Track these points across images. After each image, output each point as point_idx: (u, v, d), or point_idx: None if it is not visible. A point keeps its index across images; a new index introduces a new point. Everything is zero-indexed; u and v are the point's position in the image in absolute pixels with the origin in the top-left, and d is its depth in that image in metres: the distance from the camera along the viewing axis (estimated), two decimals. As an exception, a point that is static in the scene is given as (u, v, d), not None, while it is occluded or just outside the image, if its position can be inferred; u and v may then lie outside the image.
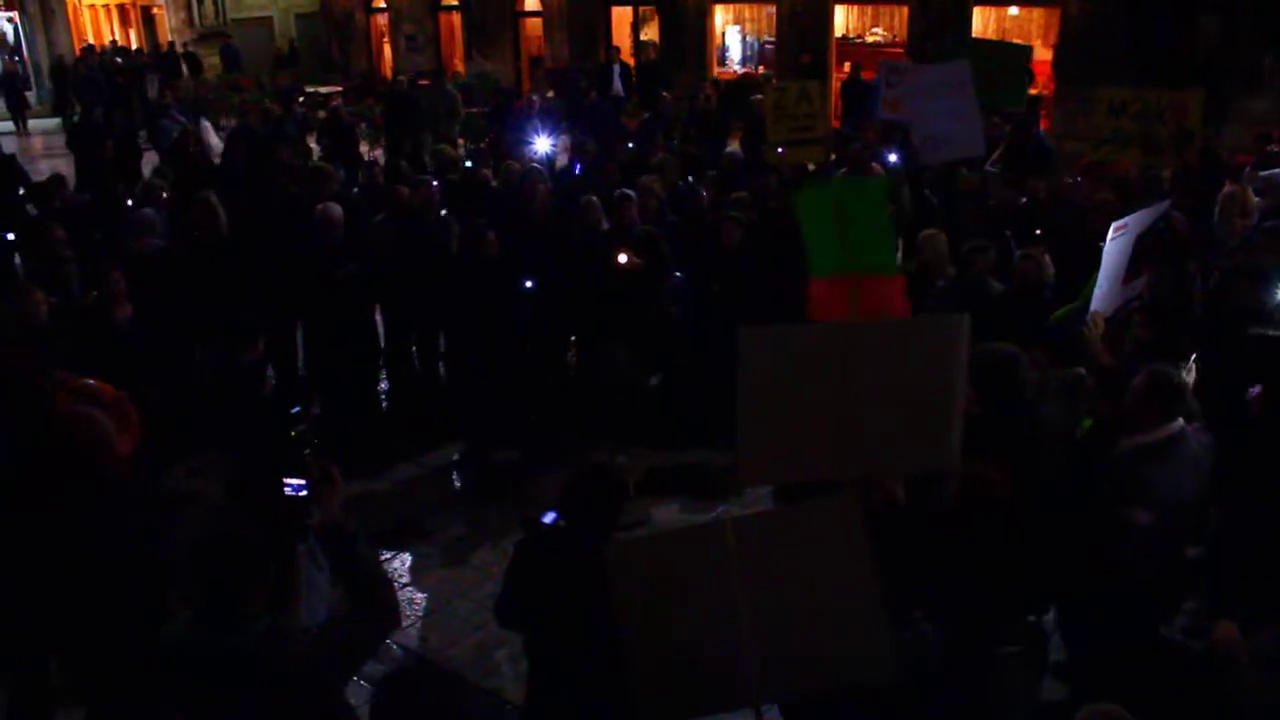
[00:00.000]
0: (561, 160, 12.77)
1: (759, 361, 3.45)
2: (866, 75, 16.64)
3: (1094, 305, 5.75)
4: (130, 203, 9.60)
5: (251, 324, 6.11)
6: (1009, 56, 10.99)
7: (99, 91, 20.31)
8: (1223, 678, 3.50)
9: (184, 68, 25.48)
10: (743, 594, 3.07)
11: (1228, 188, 9.35)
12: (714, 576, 3.08)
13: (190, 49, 27.39)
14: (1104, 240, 6.50)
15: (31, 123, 24.07)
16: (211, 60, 27.57)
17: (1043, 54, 17.30)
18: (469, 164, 11.22)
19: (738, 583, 3.07)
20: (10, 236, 8.77)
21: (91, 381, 5.43)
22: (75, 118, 19.48)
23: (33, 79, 26.38)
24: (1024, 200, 9.10)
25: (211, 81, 23.57)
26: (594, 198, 8.48)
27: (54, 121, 23.42)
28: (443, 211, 8.44)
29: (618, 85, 19.06)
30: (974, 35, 17.90)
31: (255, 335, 6.05)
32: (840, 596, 3.16)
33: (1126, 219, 6.08)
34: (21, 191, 11.40)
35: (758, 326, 3.50)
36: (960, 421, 3.52)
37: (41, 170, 14.74)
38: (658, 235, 8.16)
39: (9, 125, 23.30)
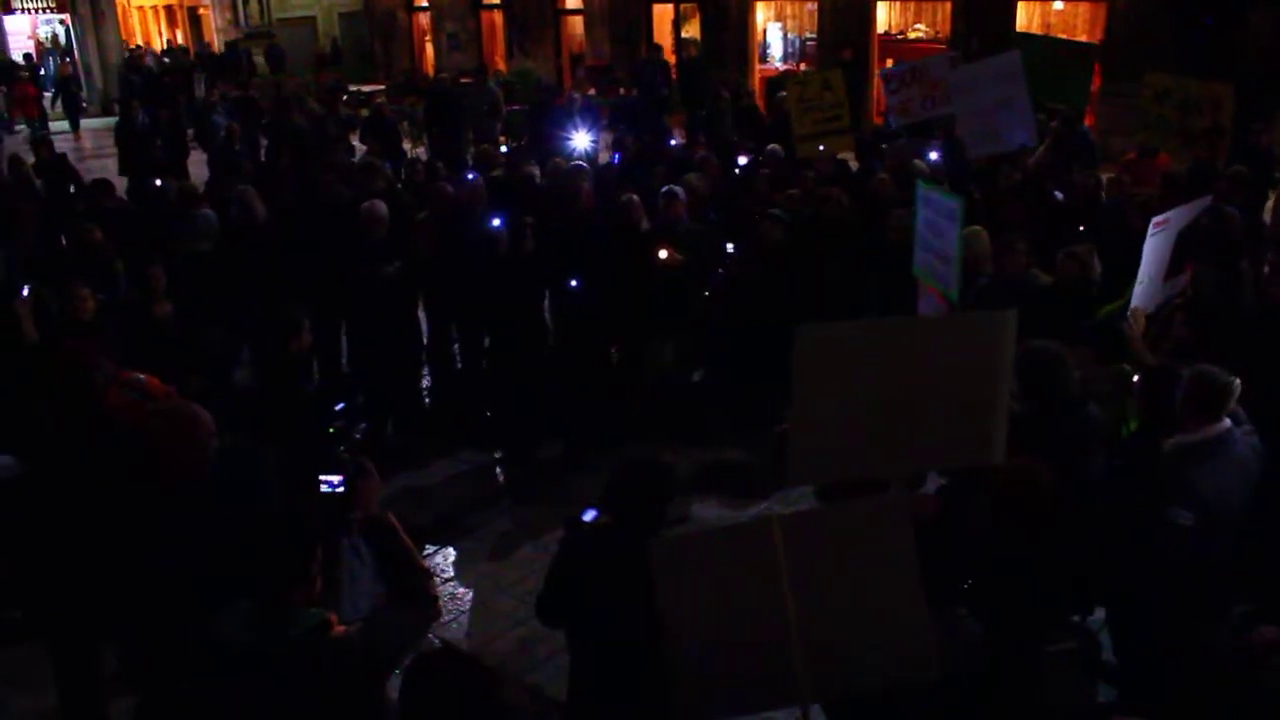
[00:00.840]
0: (604, 157, 12.80)
1: (815, 359, 3.43)
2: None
3: (1134, 302, 5.70)
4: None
5: (296, 315, 6.17)
6: (1072, 54, 10.88)
7: (133, 91, 20.67)
8: (1257, 678, 3.45)
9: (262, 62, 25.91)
10: (789, 592, 3.07)
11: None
12: (760, 574, 3.07)
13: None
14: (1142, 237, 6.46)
15: (83, 123, 24.47)
16: (258, 59, 27.90)
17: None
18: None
19: (785, 581, 3.07)
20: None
21: (142, 376, 5.53)
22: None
23: (83, 80, 26.78)
24: (1061, 196, 9.01)
25: (260, 80, 23.85)
26: (634, 195, 8.49)
27: (104, 121, 23.78)
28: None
29: (658, 83, 19.03)
30: (1018, 30, 17.75)
31: (300, 325, 6.11)
32: (886, 596, 3.15)
33: (1167, 214, 6.01)
34: (73, 190, 11.62)
35: (815, 324, 3.47)
36: (1005, 417, 3.50)
37: (93, 170, 15.02)
38: (702, 232, 8.17)
39: (63, 125, 23.66)
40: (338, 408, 6.27)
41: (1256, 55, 14.50)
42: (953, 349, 3.45)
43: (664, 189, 8.41)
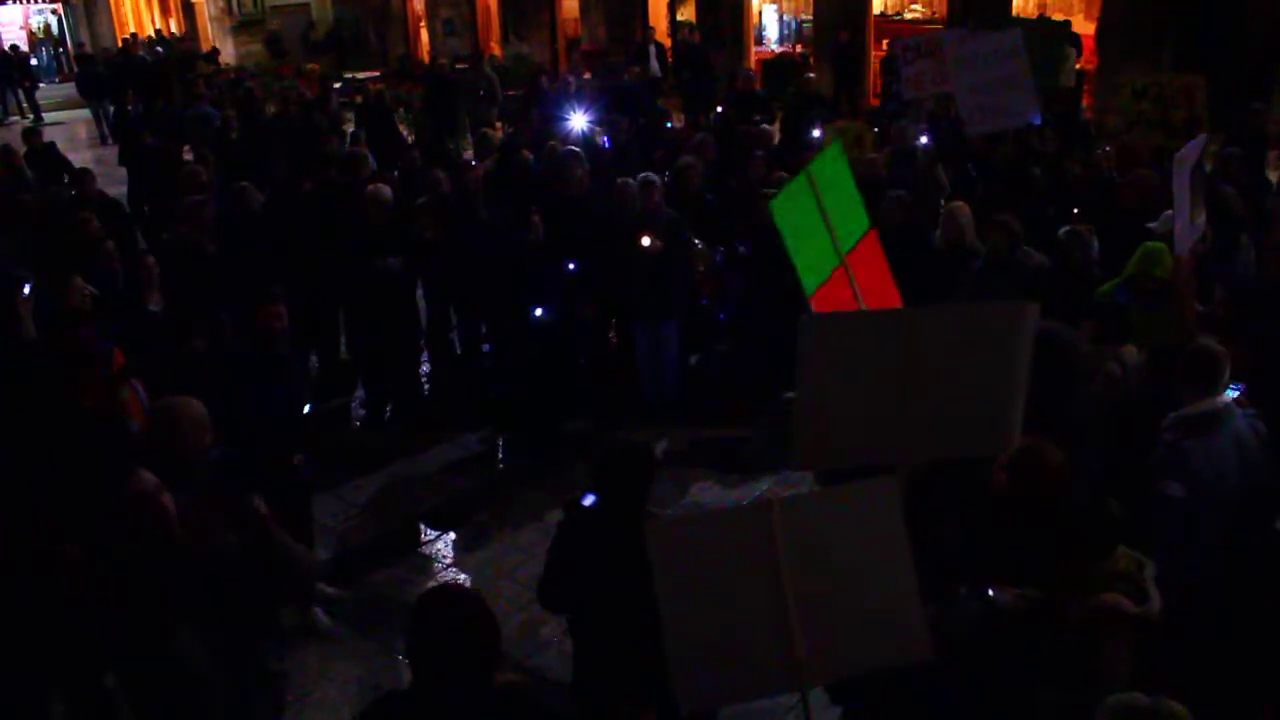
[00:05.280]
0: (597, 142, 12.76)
1: (819, 349, 3.41)
2: (906, 52, 16.49)
3: (1177, 248, 5.74)
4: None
5: (271, 292, 6.12)
6: (1047, 34, 10.86)
7: (100, 85, 20.65)
8: None
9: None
10: (787, 576, 3.08)
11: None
12: (758, 558, 3.07)
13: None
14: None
15: (75, 113, 24.28)
16: (252, 48, 27.81)
17: (1086, 27, 17.04)
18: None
19: (783, 564, 3.07)
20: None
21: None
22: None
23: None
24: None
25: (249, 69, 23.72)
26: (629, 180, 8.46)
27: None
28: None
29: (654, 66, 18.97)
30: (1014, 12, 17.69)
31: (273, 299, 6.03)
32: (881, 579, 3.15)
33: (1180, 152, 6.05)
34: (66, 179, 11.58)
35: (818, 315, 3.46)
36: (1022, 407, 3.48)
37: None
38: (680, 220, 8.13)
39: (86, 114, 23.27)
40: (305, 408, 6.20)
41: (1258, 30, 14.42)
42: (972, 339, 3.40)
43: (639, 177, 8.38)
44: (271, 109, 15.60)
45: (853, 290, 4.95)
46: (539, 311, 7.88)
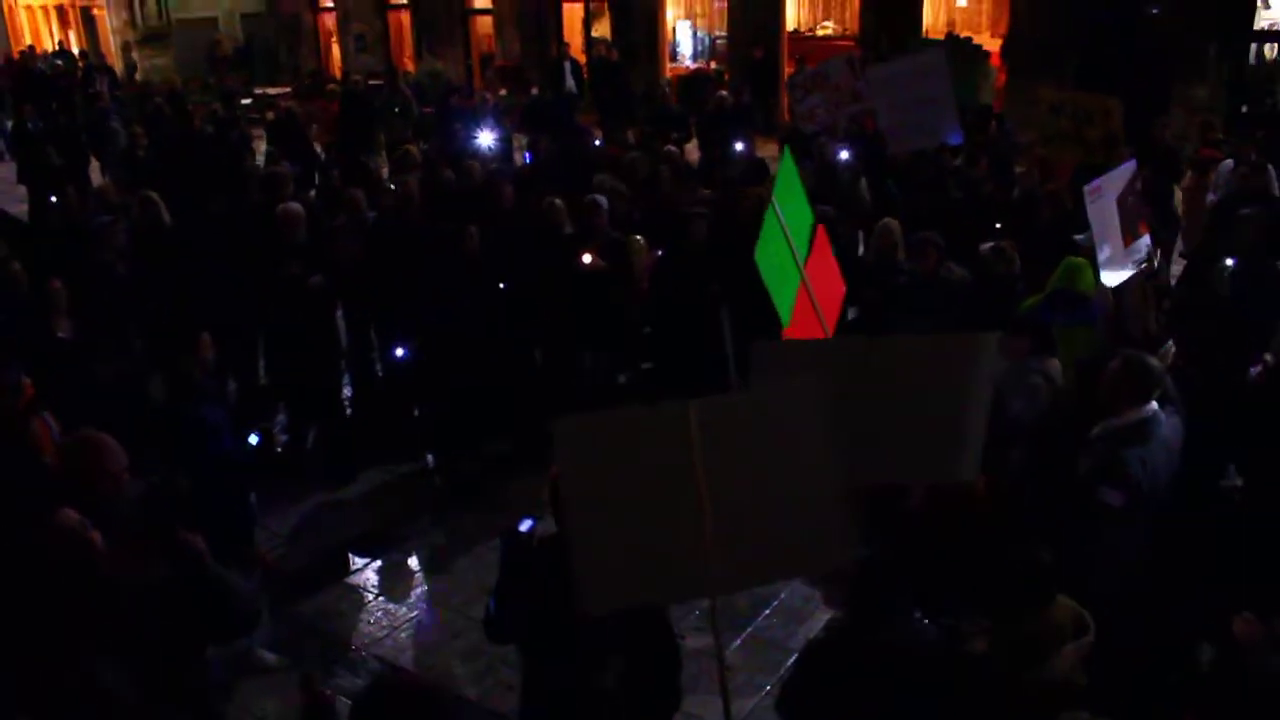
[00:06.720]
0: (517, 158, 12.70)
1: (772, 374, 3.37)
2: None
3: (1105, 277, 5.82)
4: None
5: (192, 330, 5.83)
6: (964, 54, 11.17)
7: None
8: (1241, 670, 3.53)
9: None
10: (704, 480, 3.00)
11: (1190, 179, 9.52)
12: (674, 460, 2.99)
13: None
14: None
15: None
16: (157, 61, 27.11)
17: (992, 45, 17.46)
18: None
19: (700, 468, 2.99)
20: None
21: None
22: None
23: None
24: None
25: (155, 83, 23.11)
26: (557, 199, 8.40)
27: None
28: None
29: (570, 82, 18.96)
30: (924, 29, 18.09)
31: (196, 341, 5.75)
32: (801, 482, 3.11)
33: (1097, 181, 6.13)
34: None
35: (770, 342, 3.44)
36: (982, 434, 3.47)
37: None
38: (623, 241, 8.11)
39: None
40: (252, 439, 5.94)
41: (1151, 46, 14.91)
42: (930, 368, 3.39)
43: (586, 198, 8.33)
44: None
45: (812, 304, 5.01)
46: (400, 352, 7.84)
